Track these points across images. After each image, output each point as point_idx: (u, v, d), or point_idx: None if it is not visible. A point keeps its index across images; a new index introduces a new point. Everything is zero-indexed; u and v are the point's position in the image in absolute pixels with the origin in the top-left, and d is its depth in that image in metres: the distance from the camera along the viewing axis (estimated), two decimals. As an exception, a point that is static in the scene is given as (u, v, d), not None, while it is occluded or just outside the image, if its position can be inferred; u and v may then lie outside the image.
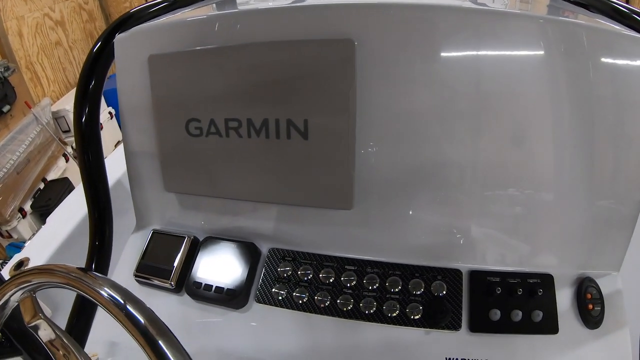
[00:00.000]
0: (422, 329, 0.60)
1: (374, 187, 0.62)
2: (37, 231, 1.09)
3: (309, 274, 0.64)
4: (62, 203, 1.17)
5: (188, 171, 0.70)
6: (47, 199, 2.46)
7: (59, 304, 1.04)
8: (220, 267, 0.67)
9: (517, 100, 0.57)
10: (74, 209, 1.10)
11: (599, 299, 0.60)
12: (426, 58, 0.57)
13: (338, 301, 0.62)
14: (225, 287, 0.65)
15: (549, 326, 0.58)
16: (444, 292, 0.61)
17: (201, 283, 0.67)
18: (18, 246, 2.30)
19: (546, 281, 0.61)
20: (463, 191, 0.61)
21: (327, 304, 0.62)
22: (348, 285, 0.63)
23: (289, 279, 0.65)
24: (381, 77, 0.58)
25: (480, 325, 0.59)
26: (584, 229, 0.62)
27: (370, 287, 0.62)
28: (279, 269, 0.65)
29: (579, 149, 0.58)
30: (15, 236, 2.45)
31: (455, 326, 0.60)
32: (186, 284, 0.68)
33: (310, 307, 0.63)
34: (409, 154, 0.60)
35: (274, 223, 0.68)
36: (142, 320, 0.39)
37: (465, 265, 0.63)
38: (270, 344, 0.63)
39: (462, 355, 0.59)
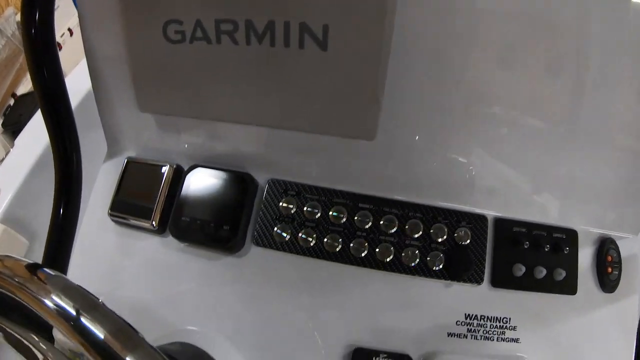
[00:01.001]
0: (443, 281, 0.52)
1: (401, 115, 0.50)
2: (7, 153, 0.96)
3: (317, 212, 0.53)
4: (30, 121, 1.01)
5: (167, 87, 0.55)
6: (18, 115, 2.22)
7: (35, 233, 0.91)
8: (211, 202, 0.55)
9: (561, 31, 0.45)
10: (43, 127, 0.94)
11: (618, 263, 0.55)
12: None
13: (351, 245, 0.52)
14: (217, 227, 0.54)
15: (569, 286, 0.54)
16: (468, 241, 0.52)
17: (188, 222, 0.55)
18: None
19: (571, 237, 0.54)
20: (498, 132, 0.52)
21: (338, 249, 0.53)
22: (363, 227, 0.53)
23: (293, 218, 0.54)
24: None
25: (503, 280, 0.53)
26: (613, 186, 0.55)
27: (387, 231, 0.53)
28: (281, 205, 0.54)
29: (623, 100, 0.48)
30: (-17, 154, 2.40)
31: (477, 280, 0.52)
32: (170, 224, 0.56)
33: (319, 252, 0.53)
34: (445, 81, 0.48)
35: (274, 150, 0.56)
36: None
37: (490, 212, 0.54)
38: (271, 294, 0.53)
39: (482, 311, 0.52)
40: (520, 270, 0.52)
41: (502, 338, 0.53)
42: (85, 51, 0.57)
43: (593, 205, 0.56)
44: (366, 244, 0.52)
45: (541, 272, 0.52)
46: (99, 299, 0.31)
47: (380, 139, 0.50)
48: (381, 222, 0.53)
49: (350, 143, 0.51)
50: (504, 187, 0.54)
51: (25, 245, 0.88)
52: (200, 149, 0.59)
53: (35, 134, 0.96)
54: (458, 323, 0.53)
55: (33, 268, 0.32)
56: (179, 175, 0.58)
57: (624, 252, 0.55)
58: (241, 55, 0.49)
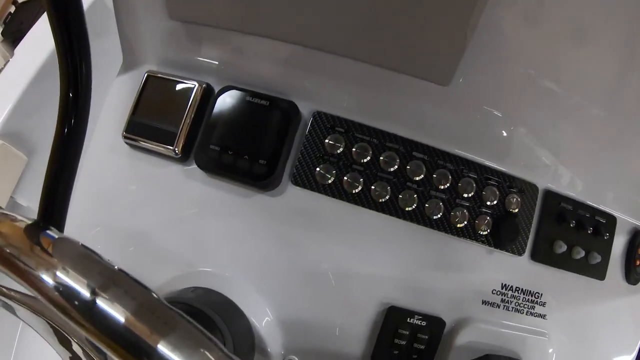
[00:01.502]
0: (486, 247, 0.48)
1: (480, 64, 0.44)
2: (5, 63, 0.87)
3: (367, 155, 0.47)
4: (31, 30, 0.91)
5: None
6: (19, 23, 1.98)
7: (35, 146, 0.82)
8: (246, 131, 0.48)
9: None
10: (45, 34, 0.86)
11: None
12: None
13: (400, 197, 0.47)
14: (252, 161, 0.46)
15: (600, 271, 0.53)
16: (517, 209, 0.49)
17: (218, 151, 0.47)
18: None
19: (610, 223, 0.53)
20: (566, 110, 0.48)
21: (385, 199, 0.47)
22: (414, 178, 0.48)
23: (339, 158, 0.47)
24: None
25: (543, 255, 0.50)
26: None
27: (439, 186, 0.48)
28: (326, 142, 0.47)
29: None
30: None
31: (519, 251, 0.50)
32: (196, 151, 0.48)
33: (364, 200, 0.47)
34: (532, 45, 0.43)
35: (323, 77, 0.49)
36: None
37: (541, 182, 0.50)
38: (306, 240, 0.47)
39: (517, 283, 0.50)
40: (560, 247, 0.50)
41: (531, 312, 0.51)
42: None
43: (635, 196, 0.54)
44: (415, 198, 0.47)
45: (579, 253, 0.51)
46: (115, 267, 0.24)
47: (453, 85, 0.44)
48: (434, 176, 0.48)
49: (417, 83, 0.45)
50: (559, 161, 0.50)
51: (23, 161, 0.80)
52: (236, 67, 0.50)
53: (37, 42, 0.86)
54: (494, 292, 0.50)
55: (33, 231, 0.24)
56: (208, 96, 0.50)
57: None
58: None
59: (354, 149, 0.47)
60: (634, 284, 0.55)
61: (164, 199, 0.49)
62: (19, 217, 0.26)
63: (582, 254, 0.51)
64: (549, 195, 0.50)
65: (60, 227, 0.52)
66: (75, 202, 0.51)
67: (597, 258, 0.51)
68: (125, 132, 0.50)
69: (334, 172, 0.47)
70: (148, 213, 0.50)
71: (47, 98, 0.82)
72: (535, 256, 0.50)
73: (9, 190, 0.79)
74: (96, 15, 0.75)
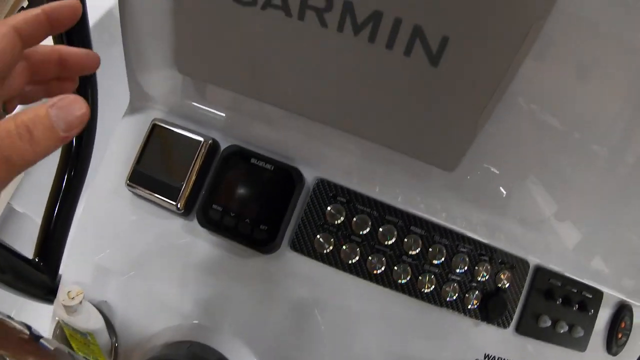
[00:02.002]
0: (474, 319, 0.49)
1: (485, 152, 0.44)
2: None
3: (366, 227, 0.47)
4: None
5: (218, 53, 0.44)
6: None
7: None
8: (249, 194, 0.48)
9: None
10: None
11: (629, 330, 0.56)
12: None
13: (394, 270, 0.48)
14: (254, 226, 0.47)
15: (582, 343, 0.54)
16: (507, 285, 0.50)
17: (220, 212, 0.47)
18: None
19: (597, 298, 0.54)
20: (563, 190, 0.48)
21: (380, 271, 0.48)
22: (410, 253, 0.48)
23: (339, 228, 0.48)
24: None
25: (527, 328, 0.51)
26: None
27: (434, 261, 0.48)
28: (327, 211, 0.48)
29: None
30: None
31: (504, 324, 0.51)
32: (199, 210, 0.48)
33: (360, 271, 0.48)
34: (545, 133, 0.42)
35: (329, 147, 0.48)
36: None
37: (532, 258, 0.51)
38: (301, 305, 0.48)
39: (500, 354, 0.51)
40: (545, 322, 0.51)
41: (511, 383, 0.52)
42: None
43: (624, 272, 0.54)
44: (410, 271, 0.48)
45: (563, 328, 0.52)
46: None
47: (457, 171, 0.44)
48: (430, 250, 0.48)
49: (421, 164, 0.45)
50: (553, 238, 0.51)
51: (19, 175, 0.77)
52: (243, 126, 0.50)
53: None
54: (476, 361, 0.51)
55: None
56: (213, 152, 0.50)
57: (636, 318, 0.55)
58: (326, 41, 0.39)
59: (354, 220, 0.48)
60: (614, 355, 0.56)
61: (165, 250, 0.50)
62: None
63: (566, 328, 0.52)
64: (540, 271, 0.51)
65: (55, 268, 0.53)
66: (78, 240, 0.52)
67: (580, 332, 0.53)
68: (129, 181, 0.50)
69: (332, 240, 0.48)
70: (148, 261, 0.51)
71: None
72: (520, 329, 0.51)
73: (7, 196, 0.78)
74: (105, 27, 0.73)
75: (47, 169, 0.83)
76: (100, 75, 0.51)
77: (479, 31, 0.35)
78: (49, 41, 0.33)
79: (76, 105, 0.23)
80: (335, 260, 0.48)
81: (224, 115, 0.49)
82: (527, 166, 0.47)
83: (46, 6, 0.29)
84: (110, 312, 0.51)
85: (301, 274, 0.48)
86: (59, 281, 0.54)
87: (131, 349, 0.50)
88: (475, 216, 0.48)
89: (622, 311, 0.55)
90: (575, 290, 0.52)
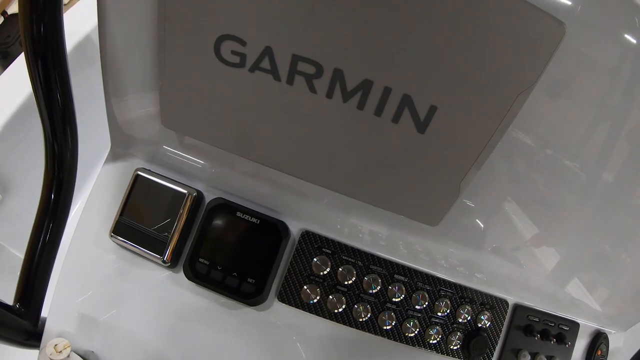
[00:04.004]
0: (456, 359, 0.49)
1: (465, 208, 0.43)
2: None
3: (352, 277, 0.46)
4: (18, 57, 0.80)
5: (205, 111, 0.42)
6: (5, 36, 1.79)
7: (10, 184, 0.76)
8: (236, 248, 0.45)
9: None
10: None
11: (605, 357, 0.57)
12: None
13: (380, 316, 0.47)
14: (241, 279, 0.44)
15: None
16: (488, 324, 0.49)
17: (207, 266, 0.45)
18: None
19: (574, 330, 0.55)
20: (542, 237, 0.48)
21: (366, 318, 0.46)
22: (393, 299, 0.47)
23: (325, 279, 0.46)
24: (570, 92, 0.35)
25: None
26: (623, 286, 0.55)
27: (417, 307, 0.47)
28: (313, 262, 0.46)
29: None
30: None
31: None
32: (186, 264, 0.46)
33: (346, 319, 0.46)
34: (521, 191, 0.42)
35: (315, 203, 0.46)
36: None
37: (510, 297, 0.51)
38: (288, 355, 0.46)
39: None
40: (525, 357, 0.52)
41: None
42: (99, 32, 0.41)
43: (599, 303, 0.55)
44: (394, 316, 0.47)
45: None
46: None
47: (440, 226, 0.43)
48: (412, 296, 0.47)
49: (404, 219, 0.43)
50: (529, 276, 0.51)
51: None
52: (227, 178, 0.47)
53: (22, 75, 0.75)
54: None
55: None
56: (198, 204, 0.47)
57: (611, 345, 0.56)
58: (315, 107, 0.37)
59: (339, 270, 0.46)
60: None
61: (152, 302, 0.47)
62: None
63: (545, 361, 0.52)
64: (519, 309, 0.51)
65: (37, 314, 0.49)
66: (62, 289, 0.48)
67: (558, 364, 0.53)
68: (113, 233, 0.47)
69: (318, 291, 0.46)
70: (133, 311, 0.47)
71: (29, 136, 0.75)
72: (500, 366, 0.51)
73: None
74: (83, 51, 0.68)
75: (22, 200, 0.78)
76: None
77: (466, 101, 0.34)
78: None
79: None
80: (322, 310, 0.46)
81: (208, 167, 0.47)
82: (503, 197, 0.46)
83: None
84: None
85: (289, 324, 0.46)
86: (42, 326, 0.50)
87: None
88: (458, 257, 0.48)
89: (598, 339, 0.56)
90: (553, 324, 0.53)
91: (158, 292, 0.47)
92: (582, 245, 0.52)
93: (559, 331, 0.53)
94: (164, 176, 0.47)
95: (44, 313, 0.49)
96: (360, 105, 0.36)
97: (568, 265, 0.52)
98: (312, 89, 0.36)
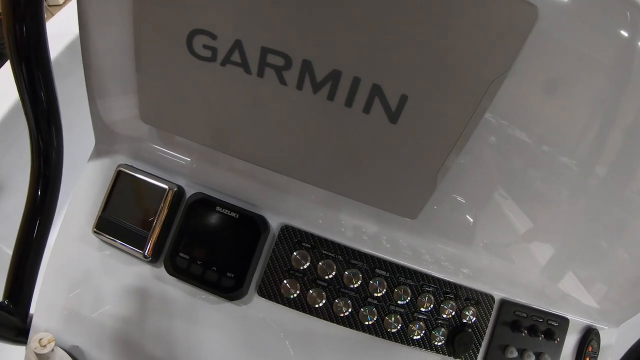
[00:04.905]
0: (440, 355, 0.47)
1: (447, 200, 0.41)
2: None
3: (331, 271, 0.45)
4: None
5: (180, 106, 0.41)
6: (1, 37, 1.79)
7: (3, 184, 0.77)
8: (215, 243, 0.44)
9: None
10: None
11: (596, 353, 0.55)
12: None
13: (360, 311, 0.45)
14: (221, 274, 0.44)
15: None
16: (473, 320, 0.48)
17: (187, 261, 0.44)
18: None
19: (563, 325, 0.52)
20: (526, 229, 0.46)
21: (346, 313, 0.45)
22: (375, 294, 0.46)
23: (304, 273, 0.45)
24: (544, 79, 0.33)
25: None
26: (613, 281, 0.52)
27: (399, 302, 0.46)
28: (293, 256, 0.45)
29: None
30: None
31: (472, 357, 0.48)
32: (166, 259, 0.45)
33: (326, 314, 0.45)
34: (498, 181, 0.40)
35: (295, 197, 0.45)
36: None
37: (496, 292, 0.50)
38: (267, 349, 0.45)
39: None
40: (512, 353, 0.49)
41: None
42: (80, 34, 0.41)
43: (590, 298, 0.53)
44: (375, 312, 0.46)
45: (530, 357, 0.50)
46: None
47: (419, 219, 0.41)
48: (394, 291, 0.46)
49: (383, 212, 0.42)
50: (516, 271, 0.49)
51: None
52: (207, 173, 0.46)
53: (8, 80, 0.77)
54: (442, 395, 0.49)
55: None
56: (179, 199, 0.46)
57: (602, 341, 0.53)
58: (286, 99, 0.36)
59: (319, 264, 0.45)
60: None
61: (134, 296, 0.47)
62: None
63: (533, 357, 0.50)
64: (505, 304, 0.49)
65: (26, 310, 0.49)
66: (48, 284, 0.48)
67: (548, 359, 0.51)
68: (96, 229, 0.46)
69: (298, 285, 0.45)
70: (116, 306, 0.47)
71: (23, 136, 0.75)
72: (487, 362, 0.49)
73: None
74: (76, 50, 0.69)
75: (14, 200, 0.79)
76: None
77: (438, 90, 0.33)
78: None
79: None
80: (302, 305, 0.45)
81: (189, 162, 0.46)
82: (492, 190, 0.44)
83: None
84: (82, 357, 0.47)
85: (269, 319, 0.45)
86: (30, 322, 0.50)
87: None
88: (441, 251, 0.46)
89: (589, 335, 0.54)
90: (541, 320, 0.51)
91: (140, 286, 0.46)
92: (573, 239, 0.50)
93: (548, 327, 0.51)
94: (146, 172, 0.47)
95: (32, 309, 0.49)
96: (331, 96, 0.35)
97: (557, 259, 0.50)
98: (282, 81, 0.35)
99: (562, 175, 0.43)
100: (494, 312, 0.50)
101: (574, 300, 0.53)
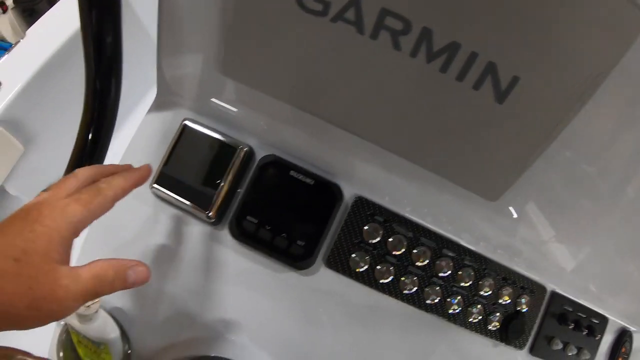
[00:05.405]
0: (492, 340, 0.55)
1: (523, 190, 0.48)
2: (15, 43, 0.83)
3: (402, 247, 0.50)
4: (50, 10, 0.87)
5: (272, 60, 0.45)
6: None
7: (33, 137, 0.82)
8: (288, 209, 0.49)
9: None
10: (62, 21, 0.84)
11: (628, 355, 0.63)
12: None
13: (425, 290, 0.51)
14: (291, 241, 0.48)
15: None
16: (526, 309, 0.55)
17: (255, 225, 0.48)
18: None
19: (603, 324, 0.61)
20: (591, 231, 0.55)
21: (411, 291, 0.51)
22: (440, 274, 0.52)
23: (375, 247, 0.50)
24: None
25: (540, 350, 0.57)
26: None
27: (462, 284, 0.52)
28: (364, 229, 0.50)
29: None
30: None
31: (521, 345, 0.56)
32: (232, 222, 0.49)
33: (392, 290, 0.51)
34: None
35: (373, 166, 0.50)
36: None
37: (549, 283, 0.57)
38: (331, 322, 0.51)
39: None
40: (557, 345, 0.57)
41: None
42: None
43: (630, 300, 0.62)
44: (439, 291, 0.52)
45: (572, 351, 0.58)
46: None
47: (498, 202, 0.48)
48: (459, 273, 0.52)
49: (461, 190, 0.48)
50: (569, 265, 0.57)
51: (19, 151, 0.79)
52: (282, 135, 0.50)
53: (52, 28, 0.82)
54: (490, 379, 0.56)
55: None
56: (248, 160, 0.50)
57: (635, 344, 0.63)
58: (395, 64, 0.41)
59: (389, 240, 0.50)
60: None
61: (189, 258, 0.50)
62: None
63: (575, 351, 0.58)
64: (555, 297, 0.57)
65: None
66: (92, 242, 0.51)
67: (587, 355, 0.59)
68: (156, 184, 0.49)
69: (367, 259, 0.50)
70: (170, 268, 0.51)
71: (54, 90, 0.80)
72: (534, 351, 0.56)
73: (1, 177, 0.78)
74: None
75: (44, 153, 0.84)
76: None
77: (548, 76, 0.39)
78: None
79: (145, 275, 0.36)
80: (369, 279, 0.50)
81: (262, 122, 0.50)
82: (567, 188, 0.51)
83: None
84: (125, 320, 0.50)
85: (334, 292, 0.50)
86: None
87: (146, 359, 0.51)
88: (507, 237, 0.53)
89: (623, 337, 0.62)
90: (585, 316, 0.59)
91: (197, 249, 0.50)
92: (626, 242, 0.58)
93: (590, 323, 0.59)
94: (214, 129, 0.50)
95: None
96: (444, 69, 0.40)
97: (608, 259, 0.58)
98: (397, 46, 0.40)
99: (624, 176, 0.50)
100: (545, 303, 0.57)
101: (615, 300, 0.61)
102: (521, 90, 0.40)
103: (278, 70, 0.45)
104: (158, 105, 0.52)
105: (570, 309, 0.58)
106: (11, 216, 0.32)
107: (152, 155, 0.51)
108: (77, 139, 0.51)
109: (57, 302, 0.31)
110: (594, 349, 0.60)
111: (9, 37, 2.44)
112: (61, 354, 0.52)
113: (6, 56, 0.79)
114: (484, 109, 0.41)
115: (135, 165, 0.50)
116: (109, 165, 0.42)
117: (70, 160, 0.51)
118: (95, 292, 0.34)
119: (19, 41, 0.81)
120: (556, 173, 0.49)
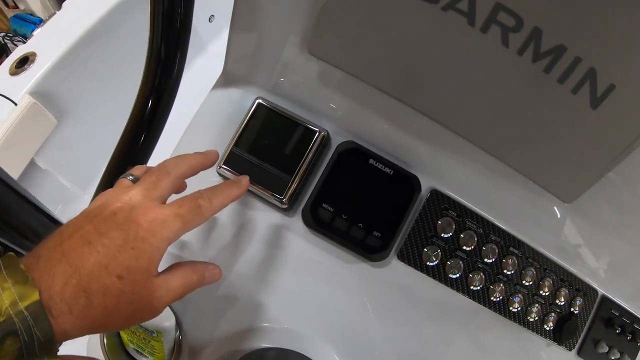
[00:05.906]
0: (546, 340, 0.63)
1: (600, 195, 0.56)
2: (49, 17, 0.88)
3: (472, 243, 0.57)
4: None
5: (367, 43, 0.50)
6: None
7: (67, 111, 0.88)
8: (363, 196, 0.54)
9: None
10: None
11: None
12: None
13: (490, 288, 0.59)
14: (367, 231, 0.54)
15: None
16: (578, 311, 0.64)
17: (331, 213, 0.53)
18: (24, 19, 2.46)
19: None
20: None
21: (478, 288, 0.58)
22: (505, 272, 0.59)
23: (447, 242, 0.57)
24: None
25: (588, 353, 0.66)
26: None
27: (524, 282, 0.60)
28: (438, 224, 0.56)
29: None
30: (22, 7, 2.51)
31: (570, 346, 0.64)
32: (306, 209, 0.54)
33: (460, 286, 0.58)
34: None
35: (452, 159, 0.56)
36: None
37: (600, 288, 0.66)
38: (400, 315, 0.57)
39: None
40: (603, 348, 0.66)
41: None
42: None
43: None
44: (504, 290, 0.59)
45: (615, 355, 0.68)
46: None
47: (572, 205, 0.56)
48: (522, 272, 0.60)
49: (537, 189, 0.56)
50: (621, 271, 0.66)
51: (52, 124, 0.84)
52: (361, 121, 0.56)
53: (82, 5, 0.89)
54: (540, 378, 0.65)
55: None
56: (326, 145, 0.55)
57: None
58: (501, 60, 0.47)
59: (461, 235, 0.57)
60: None
61: (255, 246, 0.55)
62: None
63: (617, 355, 0.68)
64: (605, 301, 0.66)
65: None
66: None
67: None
68: (224, 164, 0.53)
69: (439, 253, 0.56)
70: (232, 255, 0.55)
71: (89, 64, 0.86)
72: (582, 353, 0.65)
73: (32, 150, 0.82)
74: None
75: (76, 128, 0.90)
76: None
77: (641, 85, 0.47)
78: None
79: (218, 277, 0.45)
80: (439, 274, 0.57)
81: (343, 106, 0.55)
82: (619, 199, 0.60)
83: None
84: (180, 308, 0.54)
85: (404, 285, 0.56)
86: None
87: (199, 348, 0.54)
88: (571, 239, 0.61)
89: None
90: (629, 322, 0.68)
91: (264, 236, 0.54)
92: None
93: (633, 329, 0.69)
94: (285, 109, 0.54)
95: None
96: (547, 70, 0.47)
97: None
98: (505, 43, 0.46)
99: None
100: (595, 307, 0.66)
101: None
102: (615, 98, 0.47)
103: (375, 52, 0.50)
104: (226, 81, 0.55)
105: (617, 314, 0.67)
106: (101, 218, 0.36)
107: (216, 134, 0.54)
108: (134, 110, 0.53)
109: (152, 312, 0.37)
110: (635, 354, 0.69)
111: (38, 12, 2.54)
112: (105, 340, 0.55)
113: (40, 28, 0.83)
114: (577, 112, 0.48)
115: (198, 147, 0.54)
116: (194, 155, 0.44)
117: (125, 130, 0.54)
118: (181, 297, 0.39)
119: (54, 13, 0.84)
120: (622, 181, 0.57)
